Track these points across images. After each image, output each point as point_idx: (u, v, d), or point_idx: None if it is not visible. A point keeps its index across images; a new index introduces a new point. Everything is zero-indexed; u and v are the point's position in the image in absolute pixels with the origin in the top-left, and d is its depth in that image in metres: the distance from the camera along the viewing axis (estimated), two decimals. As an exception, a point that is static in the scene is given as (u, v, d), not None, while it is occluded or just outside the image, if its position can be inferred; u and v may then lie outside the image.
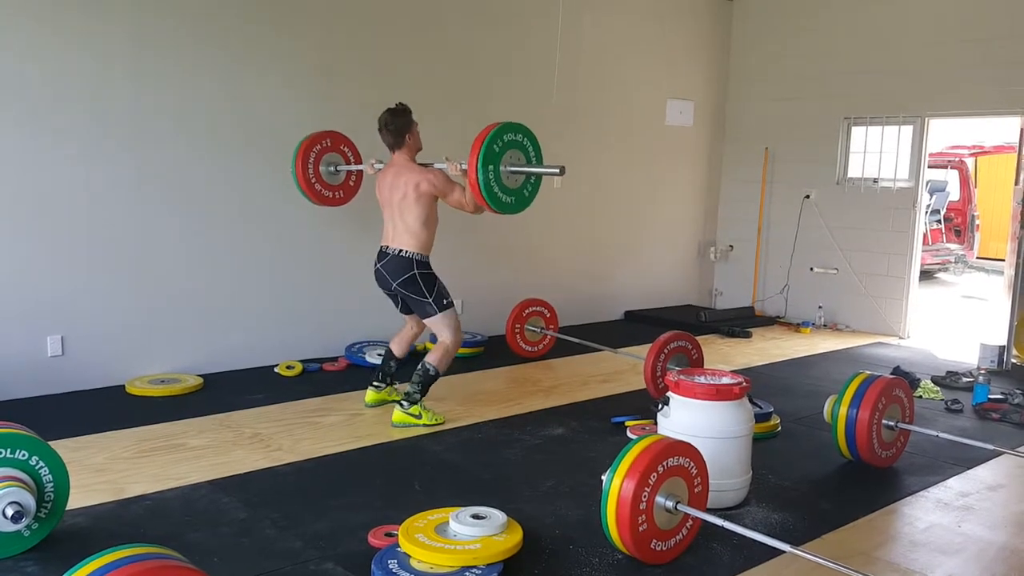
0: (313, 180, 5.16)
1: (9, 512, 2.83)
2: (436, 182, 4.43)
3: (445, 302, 4.51)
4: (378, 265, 4.56)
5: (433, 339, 6.11)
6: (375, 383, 4.87)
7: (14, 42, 4.57)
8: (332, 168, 5.20)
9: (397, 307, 4.76)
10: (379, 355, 5.77)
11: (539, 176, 4.30)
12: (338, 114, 5.71)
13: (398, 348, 4.88)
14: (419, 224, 4.45)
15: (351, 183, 5.36)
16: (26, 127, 4.64)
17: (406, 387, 4.55)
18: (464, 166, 4.26)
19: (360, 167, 5.19)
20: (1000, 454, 4.22)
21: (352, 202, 5.80)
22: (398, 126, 4.47)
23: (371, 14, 5.95)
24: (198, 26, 5.18)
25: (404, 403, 4.49)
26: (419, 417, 4.48)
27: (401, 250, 4.47)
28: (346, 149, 5.27)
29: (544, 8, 6.91)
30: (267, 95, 5.49)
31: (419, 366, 4.53)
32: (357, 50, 5.89)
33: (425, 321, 4.58)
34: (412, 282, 4.45)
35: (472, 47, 6.57)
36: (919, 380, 5.69)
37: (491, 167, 4.06)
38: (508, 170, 4.12)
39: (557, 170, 4.10)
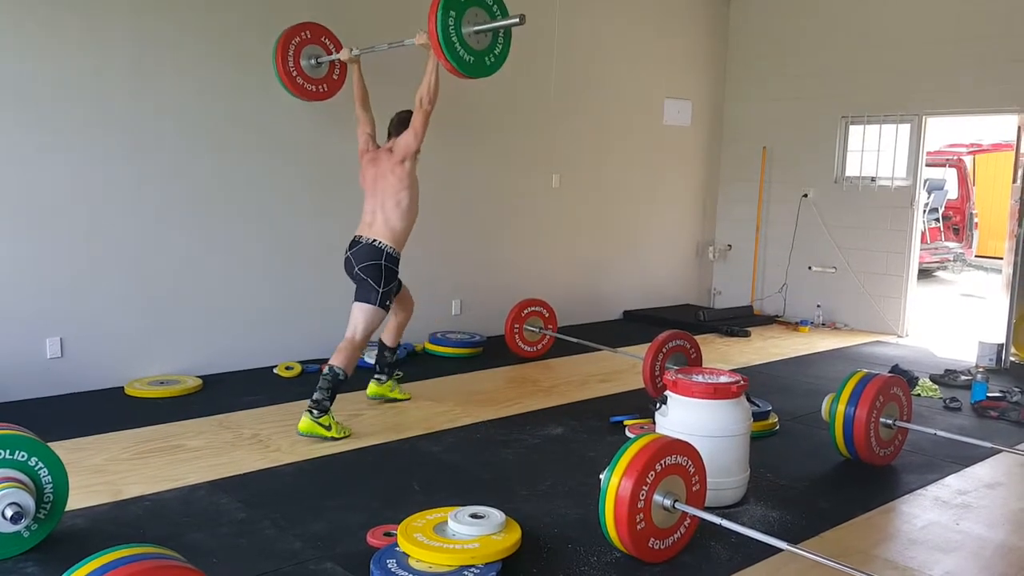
0: (295, 74, 5.09)
1: (8, 513, 2.84)
2: (405, 135, 4.40)
3: (387, 302, 4.48)
4: (348, 253, 4.53)
5: (435, 340, 6.19)
6: (376, 376, 4.91)
7: (14, 44, 4.57)
8: (313, 61, 5.11)
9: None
10: (378, 355, 5.80)
11: (507, 39, 4.17)
12: (338, 115, 5.72)
13: (389, 339, 4.90)
14: (399, 215, 4.43)
15: (335, 76, 5.25)
16: (25, 128, 4.64)
17: (316, 395, 4.29)
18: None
19: (340, 56, 5.03)
20: (998, 452, 4.22)
21: (353, 205, 5.77)
22: (404, 119, 4.53)
23: (371, 17, 5.95)
24: (198, 26, 5.18)
25: (314, 411, 4.24)
26: (329, 428, 4.24)
27: (375, 240, 4.45)
28: (327, 41, 5.15)
29: (542, 9, 6.91)
30: (267, 96, 5.49)
31: (326, 370, 4.33)
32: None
33: (355, 304, 4.45)
34: (375, 269, 4.41)
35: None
36: (917, 378, 5.69)
37: (452, 14, 3.95)
38: (471, 29, 4.02)
39: (516, 19, 4.01)
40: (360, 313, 4.43)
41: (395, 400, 4.95)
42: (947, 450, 4.32)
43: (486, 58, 4.15)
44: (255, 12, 5.41)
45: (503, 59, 4.22)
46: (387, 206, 4.46)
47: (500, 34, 4.15)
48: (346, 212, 5.78)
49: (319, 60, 5.14)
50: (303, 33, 5.10)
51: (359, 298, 4.46)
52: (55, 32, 4.69)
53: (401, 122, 4.56)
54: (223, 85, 5.33)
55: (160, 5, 5.03)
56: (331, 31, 5.21)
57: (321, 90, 5.25)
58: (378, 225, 4.47)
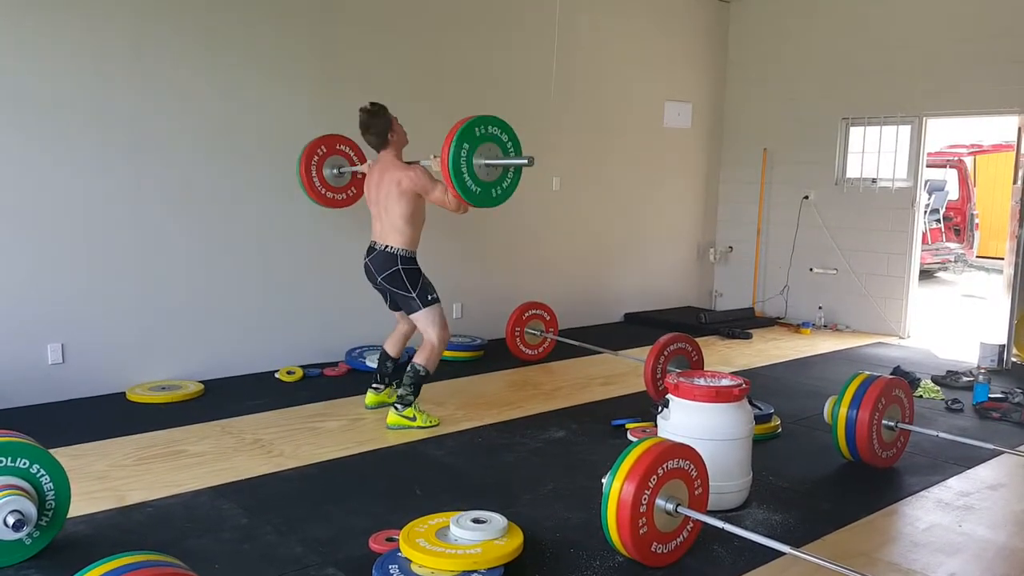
0: (319, 185, 5.15)
1: (10, 520, 2.84)
2: (416, 180, 4.43)
3: (430, 297, 4.53)
4: (366, 259, 4.62)
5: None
6: (374, 385, 4.91)
7: (14, 48, 4.57)
8: (336, 171, 5.19)
9: (386, 303, 4.80)
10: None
11: (516, 174, 4.27)
12: (339, 117, 5.72)
13: (392, 348, 4.90)
14: (403, 221, 4.48)
15: (353, 188, 5.32)
16: (26, 134, 4.65)
17: (400, 391, 4.56)
18: None
19: (364, 168, 5.14)
20: (1000, 453, 4.22)
21: (353, 207, 5.80)
22: (379, 127, 4.52)
23: (371, 18, 5.96)
24: (198, 31, 5.19)
25: (398, 406, 4.51)
26: (413, 420, 4.50)
27: (387, 246, 4.52)
28: (348, 150, 5.23)
29: (541, 10, 6.92)
30: (266, 101, 5.50)
31: (408, 368, 4.54)
32: (357, 53, 5.90)
33: (411, 317, 4.58)
34: (396, 277, 4.49)
35: (470, 50, 6.59)
36: (919, 380, 5.69)
37: (465, 146, 4.03)
38: (481, 163, 4.10)
39: (526, 160, 4.13)
40: (420, 322, 4.55)
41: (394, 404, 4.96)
42: (949, 452, 4.31)
43: (493, 190, 4.23)
44: (256, 17, 5.41)
45: (510, 193, 4.30)
46: (392, 214, 4.51)
47: (510, 170, 4.25)
48: (346, 216, 5.79)
49: (342, 170, 5.21)
50: (323, 147, 5.14)
51: (407, 310, 4.58)
52: (55, 36, 4.69)
53: (379, 133, 4.51)
54: (223, 90, 5.33)
55: (160, 10, 5.04)
56: (351, 140, 5.22)
57: (344, 198, 5.29)
58: (388, 231, 4.54)
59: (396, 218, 4.49)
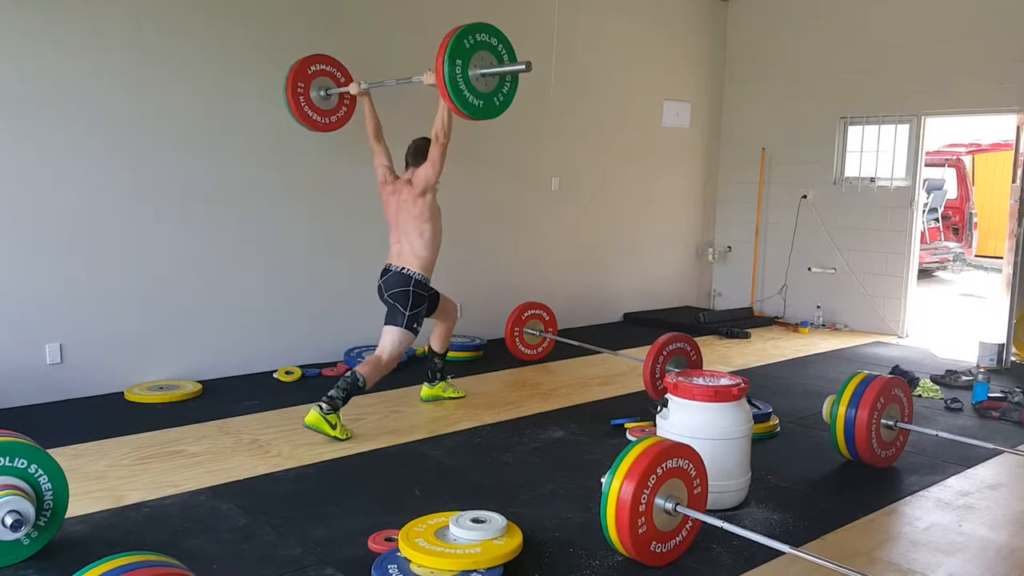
0: (305, 106, 5.08)
1: (8, 521, 2.83)
2: (424, 167, 4.48)
3: (415, 325, 4.60)
4: (380, 281, 4.67)
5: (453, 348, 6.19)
6: (428, 381, 5.11)
7: (13, 52, 4.57)
8: (323, 92, 5.10)
9: None
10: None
11: (514, 80, 4.20)
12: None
13: (437, 344, 5.07)
14: (423, 244, 4.57)
15: (344, 107, 5.24)
16: (24, 135, 4.64)
17: (332, 391, 4.35)
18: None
19: (352, 89, 5.04)
20: (1000, 453, 4.22)
21: (352, 209, 5.79)
22: (421, 146, 4.63)
23: (369, 20, 5.95)
24: (196, 32, 5.18)
25: (323, 406, 4.26)
26: (334, 427, 4.26)
27: (404, 268, 4.60)
28: (334, 71, 5.13)
29: (540, 11, 6.92)
30: (265, 101, 5.49)
31: (348, 373, 4.42)
32: (355, 55, 5.88)
33: (385, 327, 4.60)
34: (404, 295, 4.57)
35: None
36: (918, 379, 5.69)
37: (459, 62, 3.98)
38: (478, 74, 4.05)
39: (523, 66, 4.05)
40: (388, 335, 4.57)
41: (452, 398, 5.12)
42: (949, 451, 4.31)
43: (495, 99, 4.19)
44: (254, 17, 5.41)
45: (511, 98, 4.24)
46: (411, 237, 4.59)
47: (507, 76, 4.19)
48: (347, 217, 5.79)
49: (328, 92, 5.14)
50: (313, 66, 5.09)
51: (388, 321, 4.60)
52: (54, 37, 4.69)
53: (418, 150, 4.64)
54: (223, 89, 5.33)
55: (159, 14, 5.03)
56: (342, 64, 5.20)
57: (331, 121, 5.25)
58: (405, 255, 4.61)
59: (416, 239, 4.57)
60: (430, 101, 4.39)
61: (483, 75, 4.06)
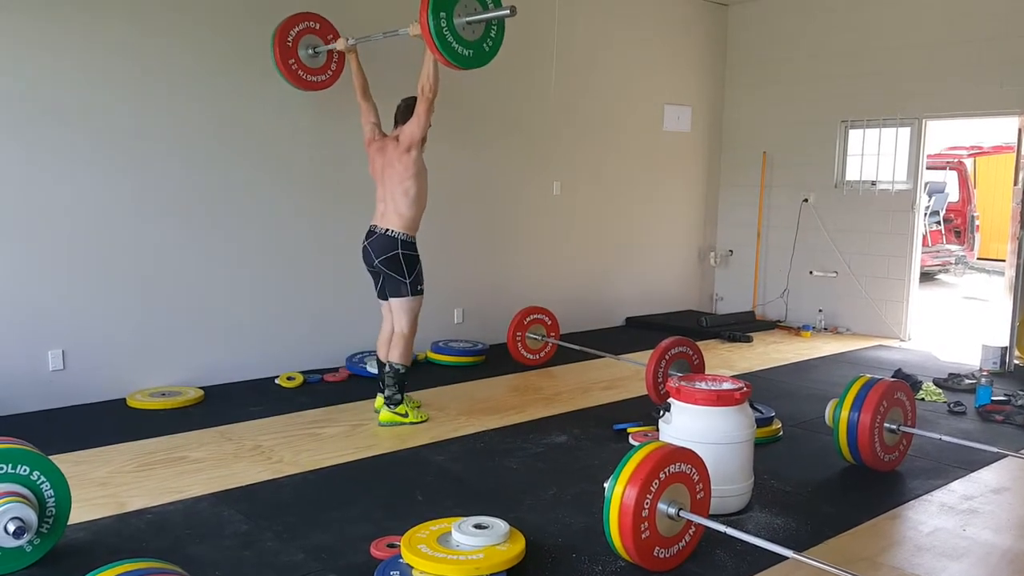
0: (294, 65, 5.04)
1: (11, 527, 2.83)
2: (410, 124, 4.45)
3: (419, 287, 4.61)
4: (365, 243, 4.65)
5: (437, 348, 6.18)
6: (382, 392, 4.81)
7: (13, 55, 4.57)
8: (311, 51, 5.05)
9: (376, 287, 4.80)
10: (380, 364, 5.80)
11: (500, 25, 4.18)
12: (338, 120, 5.74)
13: (385, 353, 4.80)
14: (407, 203, 4.51)
15: (332, 65, 5.19)
16: (25, 142, 4.65)
17: (386, 391, 4.65)
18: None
19: (339, 45, 5.01)
20: (1004, 456, 4.20)
21: (352, 211, 5.78)
22: (411, 104, 4.56)
23: (371, 21, 5.95)
24: (197, 39, 5.19)
25: (390, 405, 4.62)
26: (406, 416, 4.61)
27: (388, 229, 4.55)
28: (319, 27, 5.08)
29: (541, 15, 6.92)
30: (268, 107, 5.50)
31: (387, 368, 4.63)
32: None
33: (392, 300, 4.62)
34: (395, 261, 4.54)
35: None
36: (921, 382, 5.68)
37: (443, 14, 3.97)
38: (463, 22, 4.03)
39: (508, 10, 4.02)
40: (399, 307, 4.60)
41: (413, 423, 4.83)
42: (952, 455, 4.30)
43: (483, 45, 4.15)
44: (255, 23, 5.41)
45: (499, 45, 4.20)
46: (396, 195, 4.54)
47: (493, 23, 4.16)
48: (348, 221, 5.78)
49: (316, 50, 5.09)
50: (301, 23, 5.05)
51: (392, 293, 4.62)
52: (55, 43, 4.69)
53: (408, 108, 4.60)
54: (223, 95, 5.33)
55: (159, 20, 5.03)
56: (329, 21, 5.16)
57: (320, 80, 5.19)
58: (389, 214, 4.56)
59: (400, 198, 4.51)
60: (419, 54, 4.33)
61: (468, 23, 4.04)
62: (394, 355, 4.60)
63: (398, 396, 4.62)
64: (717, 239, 8.89)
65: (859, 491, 3.87)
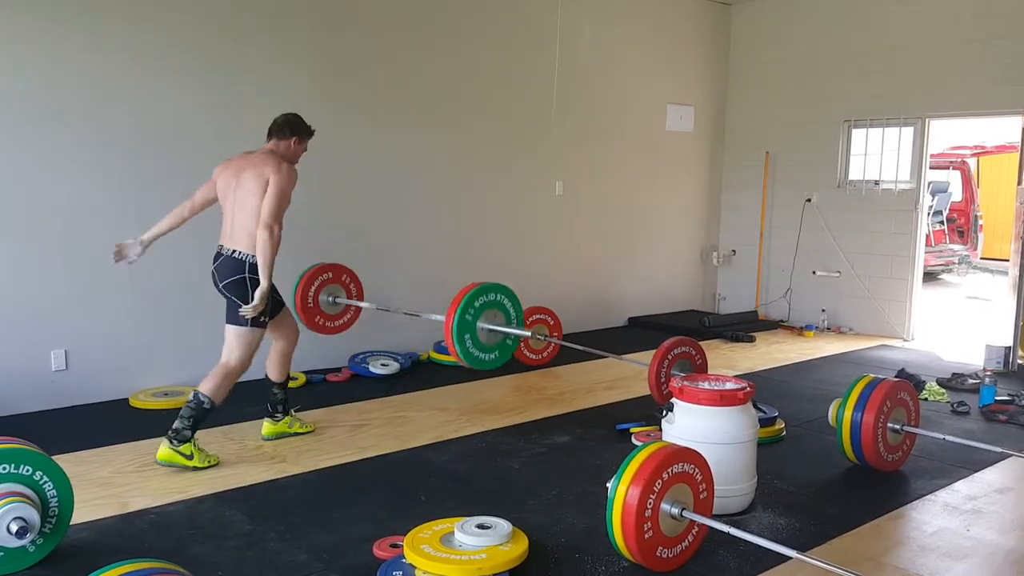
0: (312, 309, 4.92)
1: (14, 527, 2.83)
2: (286, 181, 3.94)
3: (262, 319, 4.01)
4: (212, 267, 4.07)
5: (440, 348, 6.17)
6: (269, 416, 4.42)
7: (13, 56, 4.58)
8: (331, 299, 5.03)
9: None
10: (383, 365, 5.78)
11: (513, 347, 4.49)
12: (338, 124, 5.73)
13: (274, 372, 4.39)
14: (255, 222, 3.93)
15: (348, 314, 5.12)
16: (26, 142, 4.65)
17: (176, 423, 3.92)
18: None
19: (362, 304, 5.02)
20: (1008, 456, 4.19)
21: (354, 214, 5.80)
22: (290, 122, 4.13)
23: (369, 32, 5.96)
24: (197, 39, 5.19)
25: (173, 440, 3.88)
26: (190, 458, 3.88)
27: (235, 251, 3.99)
28: (348, 281, 5.08)
29: (543, 16, 6.92)
30: (265, 108, 5.48)
31: (191, 397, 3.95)
32: (358, 59, 5.91)
33: (227, 327, 4.01)
34: (240, 285, 3.97)
35: (471, 55, 6.58)
36: (924, 382, 5.67)
37: (467, 336, 4.25)
38: (485, 328, 4.30)
39: (528, 333, 4.50)
40: (233, 336, 4.00)
41: (299, 434, 4.45)
42: (956, 455, 4.29)
43: (507, 340, 4.43)
44: (255, 29, 5.42)
45: (503, 361, 4.46)
46: (244, 214, 3.96)
47: (508, 340, 4.42)
48: (348, 222, 5.79)
49: (336, 300, 5.04)
50: (326, 274, 4.98)
51: (229, 320, 4.01)
52: (55, 43, 4.70)
53: (280, 128, 4.10)
54: (221, 97, 5.33)
55: (159, 23, 5.04)
56: (354, 272, 5.08)
57: (333, 326, 5.08)
58: (237, 233, 4.00)
59: (249, 217, 3.92)
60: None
61: (491, 331, 4.33)
62: (207, 385, 3.92)
63: (188, 432, 3.88)
64: (720, 239, 8.88)
65: (862, 491, 3.86)
